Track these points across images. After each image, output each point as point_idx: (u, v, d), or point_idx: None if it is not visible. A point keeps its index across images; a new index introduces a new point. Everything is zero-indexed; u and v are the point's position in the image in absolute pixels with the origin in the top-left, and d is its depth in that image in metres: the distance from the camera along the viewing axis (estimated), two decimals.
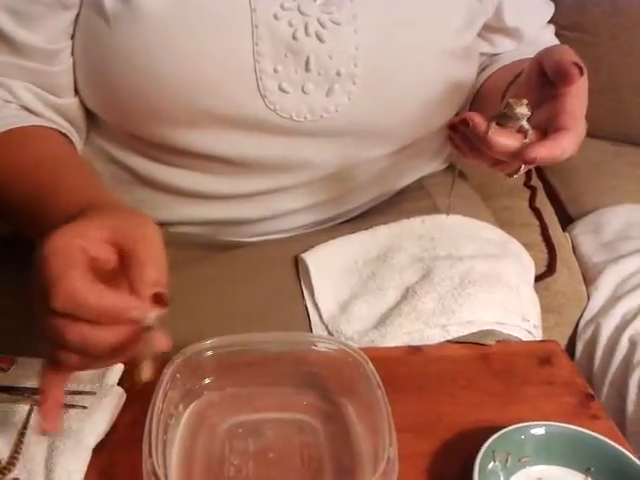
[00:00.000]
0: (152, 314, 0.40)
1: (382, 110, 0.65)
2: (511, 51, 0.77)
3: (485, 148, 0.54)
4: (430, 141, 0.78)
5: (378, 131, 0.67)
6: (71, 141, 0.67)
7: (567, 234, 1.09)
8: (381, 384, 0.50)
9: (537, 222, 1.00)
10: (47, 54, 0.61)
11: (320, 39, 0.60)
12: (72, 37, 0.63)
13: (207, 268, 0.71)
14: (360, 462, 0.49)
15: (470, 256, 0.70)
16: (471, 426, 0.53)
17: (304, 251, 0.73)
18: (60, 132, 0.65)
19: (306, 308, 0.69)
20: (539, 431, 0.49)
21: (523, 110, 0.53)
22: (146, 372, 0.41)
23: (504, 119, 0.54)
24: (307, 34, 0.59)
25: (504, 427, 0.50)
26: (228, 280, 0.69)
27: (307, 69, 0.61)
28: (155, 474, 0.42)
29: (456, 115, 0.72)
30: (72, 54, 0.64)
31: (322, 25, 0.59)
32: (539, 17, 0.79)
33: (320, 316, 0.68)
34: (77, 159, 0.62)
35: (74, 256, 0.40)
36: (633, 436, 0.79)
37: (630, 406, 0.81)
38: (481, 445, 0.48)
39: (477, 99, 0.75)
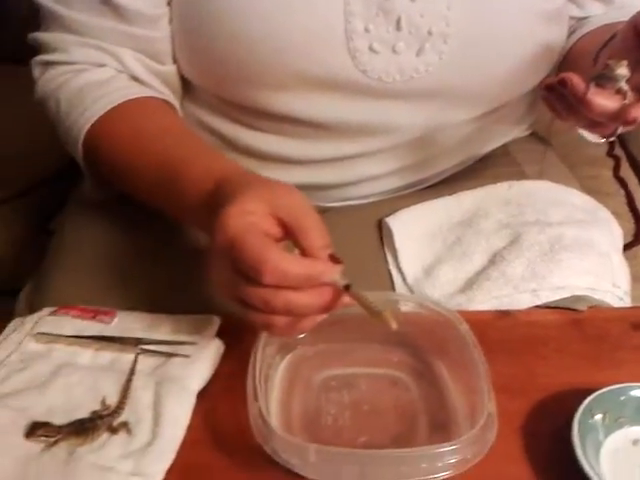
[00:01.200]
0: (338, 274, 0.45)
1: (472, 71, 0.64)
2: (599, 15, 0.74)
3: (583, 109, 0.53)
4: (517, 105, 0.77)
5: (467, 93, 0.67)
6: (176, 110, 0.69)
7: None
8: (477, 343, 0.50)
9: (622, 191, 0.98)
10: (150, 19, 0.63)
11: None
12: (169, 4, 0.65)
13: None
14: (454, 418, 0.50)
15: (559, 222, 0.69)
16: (565, 388, 0.53)
17: (387, 216, 0.73)
18: (168, 102, 0.67)
19: (389, 273, 0.70)
20: (638, 392, 0.49)
21: (623, 71, 0.52)
22: (391, 320, 0.45)
23: (603, 80, 0.53)
24: None
25: (598, 390, 0.49)
26: None
27: (398, 28, 0.60)
28: (262, 417, 0.44)
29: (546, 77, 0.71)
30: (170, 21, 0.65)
31: None
32: None
33: (404, 280, 0.69)
34: (189, 128, 0.65)
35: (260, 234, 0.45)
36: None
37: None
38: (575, 406, 0.48)
39: (565, 63, 0.73)
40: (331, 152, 0.71)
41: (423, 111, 0.67)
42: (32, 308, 0.64)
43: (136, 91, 0.64)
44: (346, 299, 0.46)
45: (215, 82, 0.67)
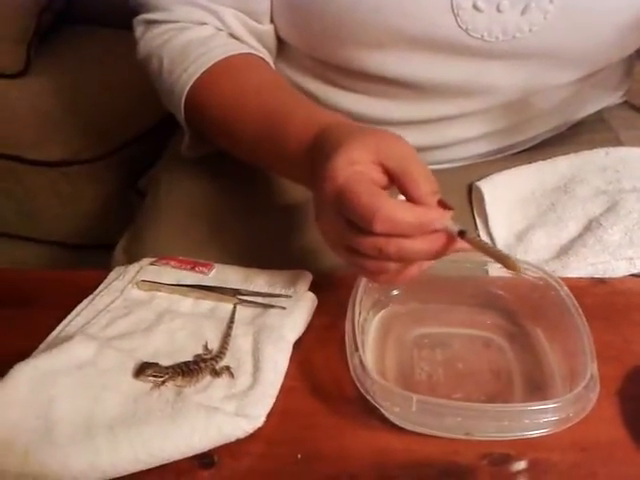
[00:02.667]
0: (448, 220, 0.45)
1: (576, 32, 0.62)
2: None
3: None
4: (614, 70, 0.74)
5: (569, 55, 0.65)
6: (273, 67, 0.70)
7: None
8: (578, 306, 0.50)
9: None
10: None
11: None
12: None
13: None
14: (552, 380, 0.49)
15: None
16: None
17: (478, 180, 0.73)
18: (264, 59, 0.68)
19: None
20: None
21: None
22: (515, 264, 0.44)
23: None
24: None
25: None
26: None
27: None
28: (363, 366, 0.45)
29: None
30: None
31: None
32: None
33: (494, 244, 0.68)
34: (288, 84, 0.65)
35: (370, 183, 0.45)
36: None
37: None
38: None
39: None
40: (424, 113, 0.70)
41: (523, 72, 0.66)
42: (130, 260, 0.66)
43: (236, 47, 0.65)
44: (461, 244, 0.45)
45: (312, 41, 0.67)
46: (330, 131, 0.50)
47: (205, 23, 0.65)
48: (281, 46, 0.72)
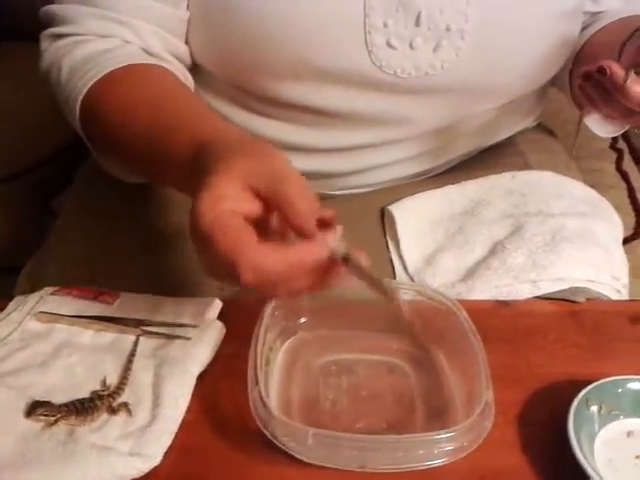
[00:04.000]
0: (331, 242, 0.42)
1: (488, 68, 0.64)
2: (614, 9, 0.73)
3: (622, 98, 0.53)
4: (527, 97, 0.77)
5: (481, 89, 0.67)
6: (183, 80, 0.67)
7: None
8: (476, 331, 0.51)
9: (624, 184, 0.98)
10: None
11: None
12: None
13: None
14: (452, 405, 0.50)
15: (561, 213, 0.69)
16: (562, 378, 0.53)
17: (391, 204, 0.73)
18: (174, 73, 0.65)
19: (391, 261, 0.70)
20: (636, 385, 0.49)
21: None
22: (393, 296, 0.44)
23: None
24: None
25: (595, 381, 0.50)
26: None
27: (417, 24, 0.60)
28: (262, 400, 0.44)
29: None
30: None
31: None
32: None
33: (405, 268, 0.69)
34: (192, 94, 0.62)
35: (236, 227, 0.41)
36: None
37: None
38: (572, 396, 0.48)
39: (580, 57, 0.71)
40: (342, 141, 0.71)
41: (437, 106, 0.67)
42: (33, 287, 0.64)
43: (140, 58, 0.61)
44: (344, 269, 0.43)
45: (228, 69, 0.66)
46: (204, 153, 0.46)
47: (113, 36, 0.63)
48: (197, 70, 0.71)
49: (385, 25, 0.59)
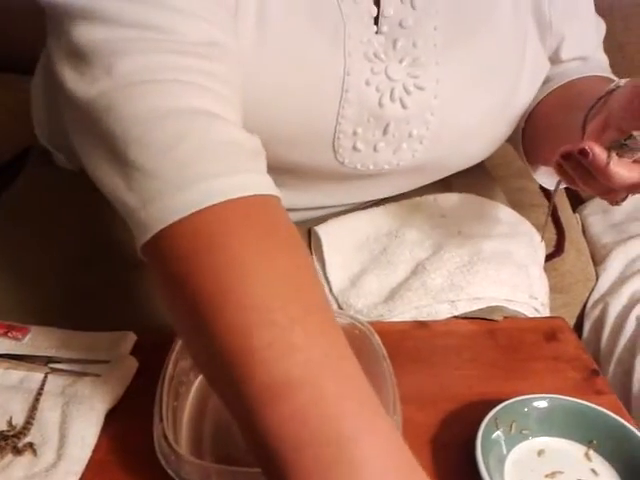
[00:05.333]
0: None
1: (440, 159, 0.66)
2: (568, 69, 0.71)
3: (604, 180, 0.51)
4: None
5: (432, 171, 0.70)
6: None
7: (577, 215, 1.09)
8: (386, 355, 0.51)
9: (547, 203, 1.00)
10: None
11: (403, 105, 0.60)
12: None
13: None
14: None
15: (481, 235, 0.71)
16: (475, 398, 0.54)
17: (317, 224, 0.74)
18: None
19: None
20: (542, 404, 0.50)
21: None
22: None
23: (624, 150, 0.50)
24: (392, 100, 0.59)
25: (508, 400, 0.50)
26: None
27: (385, 133, 0.61)
28: (165, 438, 0.43)
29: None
30: None
31: (407, 91, 0.59)
32: (597, 37, 0.72)
33: (330, 289, 0.69)
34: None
35: None
36: (639, 413, 0.80)
37: (636, 384, 0.82)
38: (483, 417, 0.49)
39: (535, 116, 0.70)
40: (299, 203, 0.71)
41: (389, 183, 0.70)
42: None
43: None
44: None
45: None
46: None
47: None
48: None
49: (354, 133, 0.60)
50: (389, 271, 0.69)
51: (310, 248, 0.73)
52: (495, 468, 0.46)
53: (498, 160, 1.01)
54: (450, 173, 0.73)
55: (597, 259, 0.99)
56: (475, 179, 0.83)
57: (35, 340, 0.57)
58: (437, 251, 0.69)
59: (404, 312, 0.64)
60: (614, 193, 0.54)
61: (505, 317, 0.64)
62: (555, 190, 0.64)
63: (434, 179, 0.74)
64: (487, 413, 0.49)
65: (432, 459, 0.49)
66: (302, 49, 0.55)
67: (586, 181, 0.53)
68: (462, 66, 0.61)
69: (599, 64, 0.70)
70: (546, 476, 0.48)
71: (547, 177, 0.71)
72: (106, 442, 0.49)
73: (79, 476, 0.46)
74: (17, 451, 0.47)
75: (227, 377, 0.37)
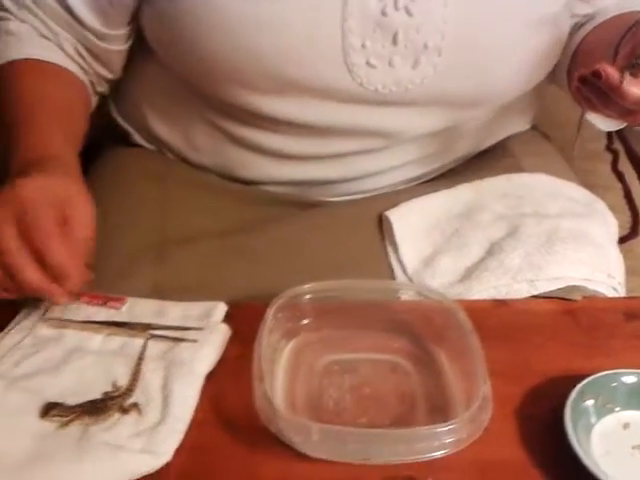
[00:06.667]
0: None
1: (466, 80, 0.65)
2: (607, 7, 0.74)
3: (619, 99, 0.53)
4: (517, 102, 0.78)
5: (463, 100, 0.68)
6: (82, 88, 0.71)
7: None
8: (473, 330, 0.52)
9: (620, 185, 0.99)
10: (105, 35, 0.67)
11: (409, 13, 0.60)
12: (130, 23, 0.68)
13: (293, 226, 0.73)
14: (452, 403, 0.52)
15: (556, 214, 0.71)
16: (559, 374, 0.55)
17: (388, 209, 0.75)
18: (77, 79, 0.70)
19: (390, 265, 0.72)
20: (631, 379, 0.51)
21: None
22: None
23: (637, 69, 0.52)
24: (396, 8, 0.60)
25: (591, 375, 0.51)
26: (313, 238, 0.72)
27: (394, 43, 0.61)
28: (267, 398, 0.46)
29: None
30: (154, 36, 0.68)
31: None
32: None
33: (404, 271, 0.71)
34: (66, 104, 0.67)
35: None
36: None
37: None
38: (568, 391, 0.50)
39: (577, 56, 0.73)
40: (330, 149, 0.72)
41: (422, 117, 0.69)
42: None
43: (34, 52, 0.67)
44: None
45: (210, 84, 0.68)
46: (38, 163, 0.56)
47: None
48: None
49: (363, 46, 0.61)
50: (463, 252, 0.70)
51: (381, 233, 0.75)
52: (582, 438, 0.47)
53: (567, 143, 1.00)
54: (494, 105, 0.71)
55: None
56: (546, 160, 0.83)
57: (132, 310, 0.60)
58: (513, 231, 0.70)
59: (482, 291, 0.65)
60: (634, 114, 0.56)
61: (584, 297, 0.64)
62: (581, 118, 0.64)
63: (478, 110, 0.72)
64: (571, 388, 0.50)
65: (518, 429, 0.51)
66: None
67: (604, 103, 0.56)
68: None
69: (637, 1, 0.69)
70: (633, 447, 0.49)
71: (601, 119, 0.70)
72: (205, 404, 0.52)
73: (183, 434, 0.49)
74: (123, 410, 0.50)
75: None
